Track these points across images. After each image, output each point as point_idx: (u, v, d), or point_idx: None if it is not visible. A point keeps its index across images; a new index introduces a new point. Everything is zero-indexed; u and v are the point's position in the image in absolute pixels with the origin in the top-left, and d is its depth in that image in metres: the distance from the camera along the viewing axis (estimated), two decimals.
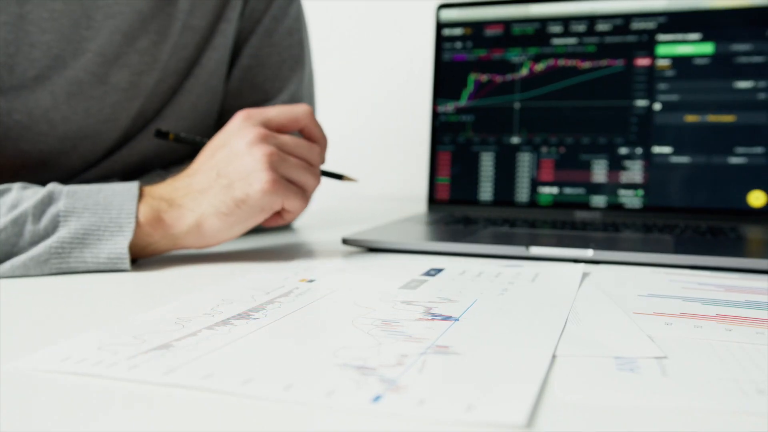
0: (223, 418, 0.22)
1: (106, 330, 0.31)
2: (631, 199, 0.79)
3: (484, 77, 0.85)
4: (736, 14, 0.77)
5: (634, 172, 0.79)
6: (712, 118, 0.77)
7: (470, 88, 0.86)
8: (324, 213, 0.94)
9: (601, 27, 0.81)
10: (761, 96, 0.75)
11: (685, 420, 0.22)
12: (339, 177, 0.60)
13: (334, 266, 0.50)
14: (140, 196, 0.50)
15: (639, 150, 0.79)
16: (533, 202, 0.82)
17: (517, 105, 0.84)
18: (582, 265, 0.50)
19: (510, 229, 0.67)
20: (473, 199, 0.85)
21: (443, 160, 0.86)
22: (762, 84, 0.75)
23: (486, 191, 0.84)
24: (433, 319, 0.34)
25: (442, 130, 0.87)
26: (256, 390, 0.24)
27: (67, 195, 0.48)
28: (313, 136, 0.54)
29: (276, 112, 0.53)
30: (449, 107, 0.87)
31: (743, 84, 0.76)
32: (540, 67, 0.83)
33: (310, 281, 0.44)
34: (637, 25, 0.80)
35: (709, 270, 0.50)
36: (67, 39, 0.57)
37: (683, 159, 0.78)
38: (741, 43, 0.76)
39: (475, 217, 0.77)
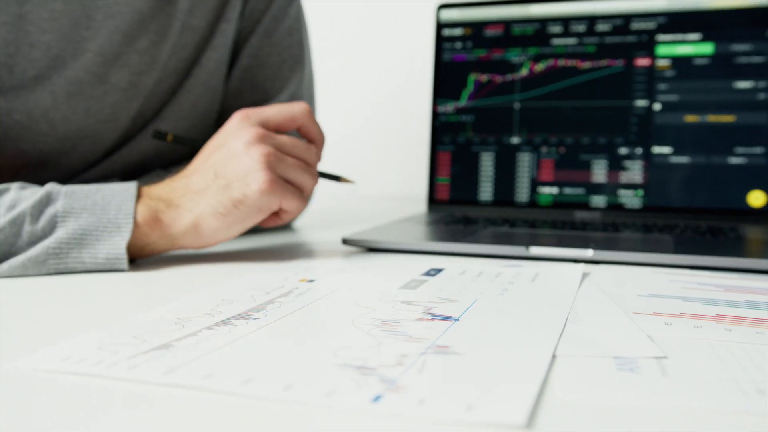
0: (223, 418, 0.22)
1: (106, 330, 0.31)
2: (631, 199, 0.79)
3: (484, 77, 0.85)
4: (736, 14, 0.77)
5: (634, 172, 0.79)
6: (712, 118, 0.77)
7: (470, 88, 0.86)
8: (324, 213, 0.94)
9: (601, 27, 0.81)
10: (761, 96, 0.75)
11: (685, 420, 0.22)
12: (336, 178, 0.60)
13: (334, 266, 0.50)
14: (138, 196, 0.50)
15: (639, 150, 0.79)
16: (533, 202, 0.82)
17: (517, 105, 0.84)
18: (582, 265, 0.50)
19: (510, 229, 0.67)
20: (473, 199, 0.85)
21: (443, 160, 0.86)
22: (762, 84, 0.75)
23: (486, 191, 0.84)
24: (433, 319, 0.34)
25: (442, 130, 0.87)
26: (256, 390, 0.24)
27: (66, 195, 0.48)
28: (310, 134, 0.55)
29: (274, 111, 0.53)
30: (449, 107, 0.87)
31: (743, 84, 0.76)
32: (540, 67, 0.83)
33: (310, 281, 0.44)
34: (637, 26, 0.80)
35: (709, 270, 0.50)
36: (67, 39, 0.57)
37: (683, 159, 0.78)
38: (741, 43, 0.76)
39: (475, 217, 0.77)
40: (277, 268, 0.49)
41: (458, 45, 0.87)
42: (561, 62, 0.82)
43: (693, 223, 0.72)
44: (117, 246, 0.47)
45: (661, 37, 0.79)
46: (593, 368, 0.27)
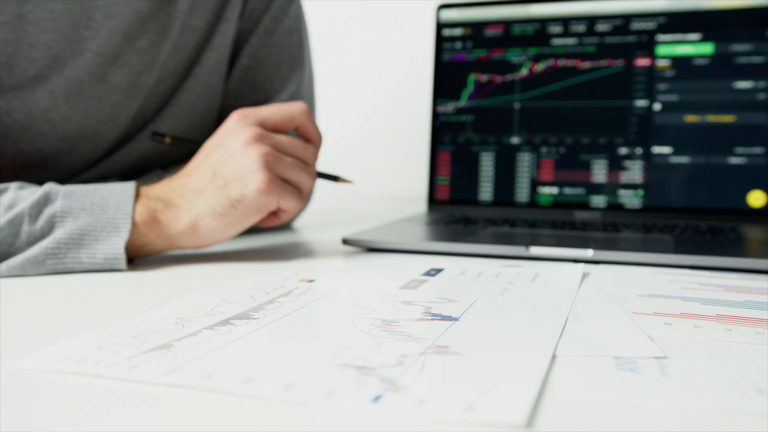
0: (223, 418, 0.22)
1: (106, 330, 0.31)
2: (630, 199, 0.79)
3: (484, 77, 0.85)
4: (736, 14, 0.77)
5: (634, 172, 0.79)
6: (712, 118, 0.77)
7: (470, 88, 0.86)
8: (324, 213, 0.94)
9: (601, 27, 0.81)
10: (761, 96, 0.75)
11: (685, 420, 0.22)
12: (335, 178, 0.60)
13: (334, 266, 0.50)
14: (137, 196, 0.50)
15: (639, 150, 0.79)
16: (533, 202, 0.82)
17: (517, 105, 0.84)
18: (582, 265, 0.50)
19: (510, 229, 0.67)
20: (473, 199, 0.85)
21: (443, 160, 0.86)
22: (762, 84, 0.75)
23: (486, 191, 0.84)
24: (433, 319, 0.34)
25: (442, 130, 0.87)
26: (256, 390, 0.24)
27: (64, 195, 0.48)
28: (308, 135, 0.55)
29: (271, 111, 0.53)
30: (449, 107, 0.87)
31: (743, 84, 0.76)
32: (540, 67, 0.83)
33: (310, 281, 0.44)
34: (637, 26, 0.80)
35: (709, 270, 0.50)
36: (67, 39, 0.57)
37: (683, 159, 0.78)
38: (741, 43, 0.76)
39: (475, 217, 0.77)
40: (277, 268, 0.49)
41: (458, 45, 0.87)
42: (561, 62, 0.82)
43: (693, 223, 0.72)
44: (115, 246, 0.47)
45: (661, 37, 0.79)
46: (593, 368, 0.27)
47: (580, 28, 0.82)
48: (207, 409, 0.23)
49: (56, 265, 0.46)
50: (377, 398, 0.23)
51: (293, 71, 0.71)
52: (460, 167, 0.86)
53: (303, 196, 0.53)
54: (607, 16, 0.81)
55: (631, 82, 0.80)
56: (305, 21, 0.76)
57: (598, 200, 0.80)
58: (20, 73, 0.56)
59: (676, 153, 0.78)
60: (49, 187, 0.48)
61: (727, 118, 0.76)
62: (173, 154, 0.68)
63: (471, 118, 0.86)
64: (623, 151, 0.80)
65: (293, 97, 0.71)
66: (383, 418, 0.22)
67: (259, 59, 0.70)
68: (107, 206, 0.48)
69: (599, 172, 0.80)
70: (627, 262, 0.52)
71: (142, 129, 0.65)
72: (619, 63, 0.80)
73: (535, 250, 0.54)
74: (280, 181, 0.51)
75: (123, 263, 0.48)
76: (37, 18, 0.56)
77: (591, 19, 0.82)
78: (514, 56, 0.84)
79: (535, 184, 0.83)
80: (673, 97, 0.78)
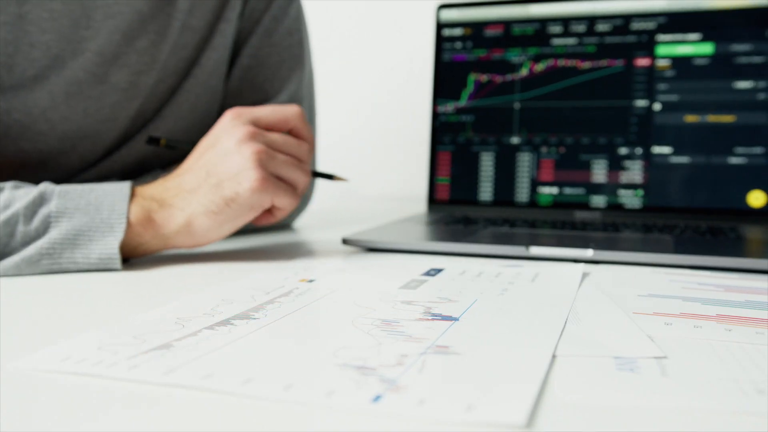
0: (223, 418, 0.22)
1: (106, 330, 0.31)
2: (630, 199, 0.79)
3: (484, 77, 0.85)
4: (736, 14, 0.77)
5: (634, 172, 0.79)
6: (712, 118, 0.77)
7: (470, 88, 0.86)
8: (324, 213, 0.94)
9: (601, 27, 0.81)
10: (761, 96, 0.75)
11: (685, 420, 0.22)
12: (330, 177, 0.60)
13: (334, 266, 0.50)
14: (132, 196, 0.50)
15: (639, 150, 0.79)
16: (533, 202, 0.82)
17: (517, 105, 0.84)
18: (582, 265, 0.50)
19: (510, 229, 0.67)
20: (473, 199, 0.85)
21: (443, 160, 0.86)
22: (762, 84, 0.75)
23: (486, 191, 0.84)
24: (433, 319, 0.34)
25: (442, 130, 0.87)
26: (256, 390, 0.24)
27: (59, 195, 0.48)
28: (301, 137, 0.55)
29: (266, 111, 0.53)
30: (449, 107, 0.87)
31: (743, 84, 0.76)
32: (540, 67, 0.83)
33: (310, 281, 0.44)
34: (636, 26, 0.80)
35: (709, 270, 0.50)
36: (67, 39, 0.57)
37: (683, 159, 0.78)
38: (741, 43, 0.76)
39: (475, 217, 0.77)
40: (277, 268, 0.49)
41: (458, 45, 0.87)
42: (561, 62, 0.82)
43: (693, 223, 0.72)
44: (110, 246, 0.47)
45: (661, 37, 0.79)
46: (593, 368, 0.27)
47: (580, 28, 0.82)
48: (207, 409, 0.23)
49: (51, 265, 0.47)
50: (377, 398, 0.23)
51: (293, 71, 0.71)
52: (460, 167, 0.86)
53: (297, 193, 0.53)
54: (607, 16, 0.81)
55: (631, 82, 0.80)
56: (305, 21, 0.76)
57: (598, 200, 0.80)
58: (20, 73, 0.56)
59: (676, 153, 0.78)
60: (45, 186, 0.48)
61: (727, 118, 0.76)
62: (173, 154, 0.68)
63: (471, 118, 0.86)
64: (623, 151, 0.80)
65: (293, 97, 0.71)
66: (383, 418, 0.22)
67: (259, 59, 0.70)
68: (102, 206, 0.48)
69: (599, 172, 0.80)
70: (627, 262, 0.52)
71: (141, 129, 0.65)
72: (619, 63, 0.80)
73: (535, 250, 0.54)
74: (273, 179, 0.51)
75: (118, 263, 0.48)
76: (37, 18, 0.56)
77: (591, 19, 0.82)
78: (514, 56, 0.84)
79: (535, 184, 0.83)
80: (673, 97, 0.78)
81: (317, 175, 0.59)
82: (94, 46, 0.58)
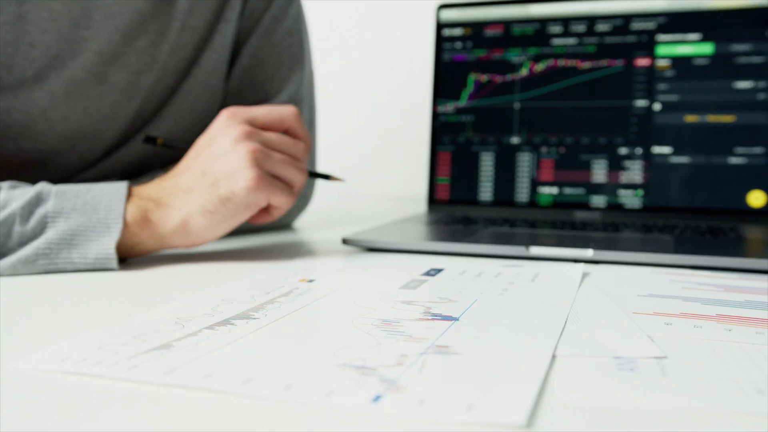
0: (223, 418, 0.22)
1: (106, 330, 0.31)
2: (630, 199, 0.79)
3: (484, 77, 0.85)
4: (736, 14, 0.77)
5: (634, 172, 0.79)
6: (712, 118, 0.77)
7: (470, 88, 0.86)
8: (324, 213, 0.94)
9: (601, 27, 0.81)
10: (761, 96, 0.75)
11: (685, 420, 0.22)
12: (326, 177, 0.60)
13: (334, 266, 0.50)
14: (128, 196, 0.50)
15: (639, 150, 0.79)
16: (533, 202, 0.82)
17: (517, 105, 0.84)
18: (582, 265, 0.50)
19: (510, 229, 0.67)
20: (473, 199, 0.85)
21: (443, 160, 0.86)
22: (762, 84, 0.75)
23: (486, 191, 0.84)
24: (433, 319, 0.34)
25: (442, 130, 0.87)
26: (256, 390, 0.24)
27: (56, 195, 0.48)
28: (297, 136, 0.55)
29: (261, 111, 0.53)
30: (449, 107, 0.87)
31: (743, 84, 0.76)
32: (540, 67, 0.83)
33: (310, 281, 0.44)
34: (636, 26, 0.80)
35: (709, 270, 0.50)
36: (66, 39, 0.57)
37: (683, 159, 0.78)
38: (741, 43, 0.76)
39: (475, 217, 0.77)
40: (277, 268, 0.49)
41: (458, 45, 0.87)
42: (561, 62, 0.82)
43: (693, 223, 0.72)
44: (106, 246, 0.47)
45: (661, 37, 0.79)
46: (593, 368, 0.27)
47: (580, 28, 0.82)
48: (207, 409, 0.23)
49: (48, 266, 0.47)
50: (377, 398, 0.23)
51: (293, 71, 0.71)
52: (460, 167, 0.86)
53: (294, 192, 0.53)
54: (607, 16, 0.81)
55: (631, 82, 0.80)
56: (305, 21, 0.75)
57: (598, 200, 0.80)
58: (20, 73, 0.56)
59: (676, 153, 0.78)
60: (41, 186, 0.48)
61: (727, 118, 0.76)
62: (173, 154, 0.68)
63: (471, 118, 0.86)
64: (623, 151, 0.80)
65: (293, 97, 0.71)
66: (383, 418, 0.22)
67: (259, 59, 0.70)
68: (99, 206, 0.48)
69: (599, 172, 0.80)
70: (627, 262, 0.52)
71: (141, 129, 0.65)
72: (619, 63, 0.80)
73: (535, 250, 0.54)
74: (269, 178, 0.51)
75: (114, 263, 0.48)
76: (36, 18, 0.56)
77: (591, 19, 0.82)
78: (514, 56, 0.84)
79: (535, 184, 0.83)
80: (673, 97, 0.78)
81: (314, 175, 0.59)
82: (93, 46, 0.58)
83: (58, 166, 0.62)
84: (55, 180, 0.60)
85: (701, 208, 0.77)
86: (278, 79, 0.71)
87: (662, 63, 0.79)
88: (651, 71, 0.79)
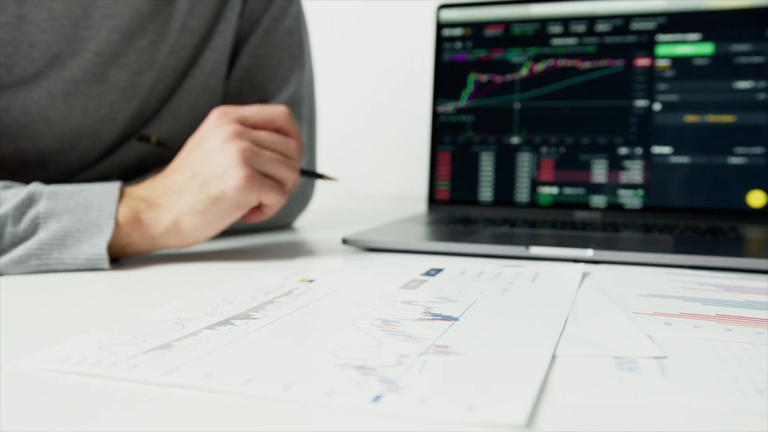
0: (223, 418, 0.22)
1: (106, 330, 0.31)
2: (630, 199, 0.79)
3: (484, 77, 0.85)
4: (736, 14, 0.77)
5: (634, 172, 0.79)
6: (712, 118, 0.77)
7: (470, 88, 0.86)
8: (324, 213, 0.94)
9: (601, 27, 0.81)
10: (761, 96, 0.75)
11: (685, 420, 0.22)
12: (320, 176, 0.60)
13: (334, 266, 0.50)
14: (120, 196, 0.50)
15: (639, 150, 0.79)
16: (533, 202, 0.82)
17: (517, 105, 0.84)
18: (582, 265, 0.50)
19: (510, 229, 0.67)
20: (473, 199, 0.85)
21: (443, 160, 0.86)
22: (762, 84, 0.75)
23: (486, 191, 0.84)
24: (433, 319, 0.34)
25: (442, 130, 0.87)
26: (256, 390, 0.24)
27: (48, 196, 0.48)
28: (289, 135, 0.55)
29: (252, 110, 0.53)
30: (449, 107, 0.87)
31: (743, 84, 0.76)
32: (540, 67, 0.83)
33: (310, 281, 0.44)
34: (636, 26, 0.80)
35: (709, 270, 0.50)
36: (66, 39, 0.57)
37: (683, 159, 0.78)
38: (741, 43, 0.76)
39: (475, 217, 0.77)
40: (277, 268, 0.49)
41: (458, 45, 0.87)
42: (561, 62, 0.82)
43: (693, 223, 0.72)
44: (97, 247, 0.47)
45: (661, 37, 0.79)
46: (593, 368, 0.27)
47: (580, 28, 0.82)
48: (207, 409, 0.23)
49: (39, 266, 0.47)
50: (377, 398, 0.23)
51: (293, 71, 0.71)
52: (460, 167, 0.86)
53: (286, 190, 0.53)
54: (607, 16, 0.81)
55: (631, 82, 0.80)
56: (305, 21, 0.75)
57: (598, 200, 0.80)
58: (19, 73, 0.56)
59: (676, 153, 0.78)
60: (34, 187, 0.48)
61: (727, 118, 0.76)
62: (173, 154, 0.68)
63: (471, 118, 0.86)
64: (623, 151, 0.80)
65: (293, 97, 0.71)
66: (383, 418, 0.22)
67: (259, 59, 0.70)
68: (91, 207, 0.48)
69: (599, 172, 0.80)
70: (627, 262, 0.52)
71: (140, 129, 0.65)
72: (619, 63, 0.80)
73: (535, 250, 0.54)
74: (260, 176, 0.51)
75: (106, 263, 0.48)
76: (36, 18, 0.56)
77: (591, 19, 0.82)
78: (514, 56, 0.84)
79: (535, 184, 0.83)
80: (673, 97, 0.78)
81: (306, 173, 0.59)
82: (93, 46, 0.58)
83: (58, 166, 0.62)
84: (55, 180, 0.60)
85: (701, 208, 0.77)
86: (278, 79, 0.71)
87: (662, 63, 0.79)
88: (651, 71, 0.79)
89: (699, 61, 0.77)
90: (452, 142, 0.86)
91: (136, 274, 0.47)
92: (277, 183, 0.53)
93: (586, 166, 0.81)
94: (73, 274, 0.47)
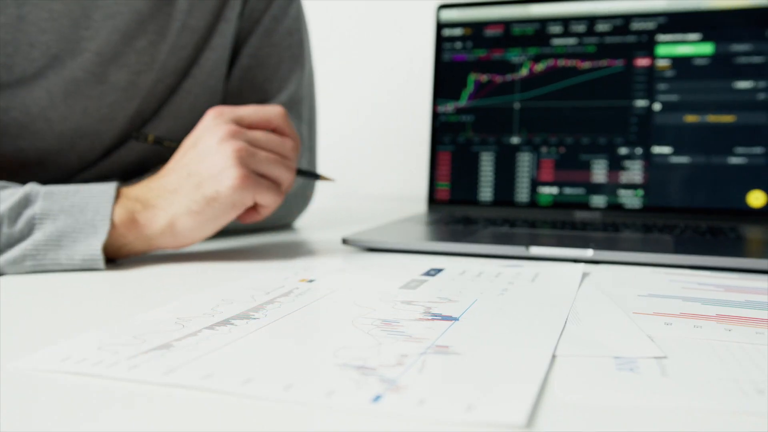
0: (223, 418, 0.22)
1: (106, 330, 0.31)
2: (630, 199, 0.79)
3: (484, 77, 0.85)
4: (736, 14, 0.77)
5: (634, 172, 0.79)
6: (712, 118, 0.77)
7: (470, 88, 0.86)
8: (324, 213, 0.94)
9: (601, 27, 0.81)
10: (761, 96, 0.75)
11: (685, 420, 0.22)
12: (316, 176, 0.60)
13: (334, 266, 0.50)
14: (117, 197, 0.50)
15: (639, 150, 0.79)
16: (533, 202, 0.82)
17: (517, 105, 0.84)
18: (582, 265, 0.50)
19: (510, 229, 0.67)
20: (473, 199, 0.85)
21: (443, 160, 0.86)
22: (762, 84, 0.75)
23: (486, 191, 0.84)
24: (433, 319, 0.34)
25: (442, 130, 0.87)
26: (256, 390, 0.24)
27: (44, 197, 0.48)
28: (285, 135, 0.54)
29: (248, 111, 0.53)
30: (449, 107, 0.87)
31: (743, 84, 0.76)
32: (540, 67, 0.83)
33: (310, 281, 0.44)
34: (636, 26, 0.80)
35: (709, 270, 0.50)
36: (66, 39, 0.57)
37: (683, 159, 0.78)
38: (741, 43, 0.76)
39: (475, 217, 0.77)
40: (277, 268, 0.49)
41: (458, 45, 0.87)
42: (561, 62, 0.82)
43: (693, 223, 0.72)
44: (93, 247, 0.47)
45: (661, 37, 0.79)
46: (593, 368, 0.27)
47: (580, 28, 0.82)
48: (207, 409, 0.23)
49: (35, 266, 0.47)
50: (377, 398, 0.23)
51: (293, 71, 0.71)
52: (460, 167, 0.86)
53: (281, 190, 0.53)
54: (607, 16, 0.81)
55: (631, 82, 0.80)
56: (305, 21, 0.75)
57: (598, 200, 0.80)
58: (19, 73, 0.56)
59: (676, 153, 0.78)
60: (30, 188, 0.48)
61: (727, 118, 0.76)
62: (172, 154, 0.68)
63: (471, 118, 0.86)
64: (623, 151, 0.80)
65: (293, 97, 0.71)
66: (383, 418, 0.22)
67: (259, 59, 0.70)
68: (86, 208, 0.48)
69: (599, 172, 0.80)
70: (627, 262, 0.52)
71: (140, 129, 0.65)
72: (619, 63, 0.80)
73: (535, 250, 0.54)
74: (255, 177, 0.51)
75: (101, 264, 0.48)
76: (36, 18, 0.56)
77: (591, 19, 0.82)
78: (514, 56, 0.84)
79: (535, 184, 0.83)
80: (673, 97, 0.78)
81: (303, 173, 0.59)
82: (93, 46, 0.58)
83: (58, 165, 0.62)
84: (55, 180, 0.60)
85: (701, 208, 0.77)
86: (278, 79, 0.71)
87: (662, 63, 0.79)
88: (651, 71, 0.79)
89: (699, 61, 0.77)
90: (452, 142, 0.86)
91: (136, 274, 0.47)
92: (273, 183, 0.52)
93: (586, 166, 0.81)
94: (72, 274, 0.47)
